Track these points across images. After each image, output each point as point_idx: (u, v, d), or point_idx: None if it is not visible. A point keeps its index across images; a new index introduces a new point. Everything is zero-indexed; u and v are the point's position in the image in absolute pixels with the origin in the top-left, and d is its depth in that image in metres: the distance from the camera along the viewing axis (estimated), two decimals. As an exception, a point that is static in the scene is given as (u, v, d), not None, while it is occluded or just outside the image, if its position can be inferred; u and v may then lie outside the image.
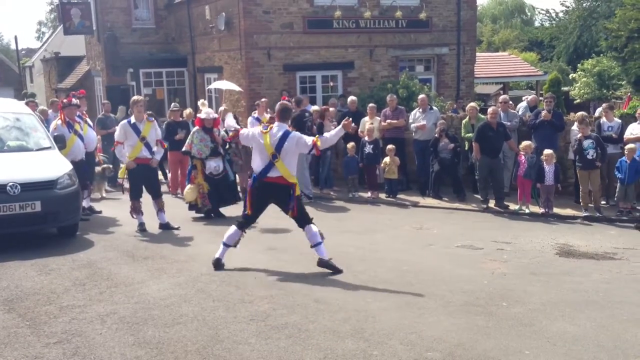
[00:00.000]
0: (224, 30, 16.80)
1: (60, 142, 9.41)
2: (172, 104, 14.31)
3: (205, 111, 10.24)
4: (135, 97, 9.48)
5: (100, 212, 10.57)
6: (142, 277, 6.68)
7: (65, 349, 4.80)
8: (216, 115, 10.56)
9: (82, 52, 24.85)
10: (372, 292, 6.26)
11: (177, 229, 9.22)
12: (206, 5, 17.93)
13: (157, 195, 9.34)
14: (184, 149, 10.40)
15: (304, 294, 6.13)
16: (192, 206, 10.30)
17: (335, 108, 13.95)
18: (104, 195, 12.22)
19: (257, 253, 7.90)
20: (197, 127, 10.26)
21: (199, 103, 10.91)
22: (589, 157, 10.29)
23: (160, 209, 9.33)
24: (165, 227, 9.22)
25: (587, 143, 10.31)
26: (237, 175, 11.79)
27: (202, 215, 10.22)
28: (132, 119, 9.09)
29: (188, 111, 13.20)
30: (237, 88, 14.38)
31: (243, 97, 16.22)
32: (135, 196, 9.20)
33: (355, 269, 7.11)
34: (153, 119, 9.40)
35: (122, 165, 9.56)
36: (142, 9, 20.70)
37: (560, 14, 41.32)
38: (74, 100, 10.25)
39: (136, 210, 9.21)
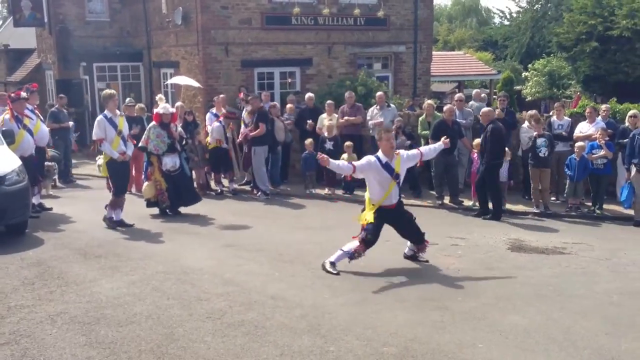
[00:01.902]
0: (181, 24, 16.55)
1: (8, 137, 9.12)
2: (127, 99, 14.04)
3: (162, 106, 10.07)
4: (110, 91, 9.25)
5: (51, 209, 10.28)
6: (95, 276, 6.53)
7: (13, 351, 4.65)
8: (173, 110, 10.41)
9: (33, 44, 24.09)
10: (329, 288, 6.28)
11: (132, 225, 9.05)
12: (162, -1, 17.62)
13: (123, 192, 9.24)
14: (140, 144, 10.21)
15: (261, 291, 6.10)
16: (151, 203, 10.13)
17: (293, 104, 13.93)
18: (50, 192, 11.85)
19: (214, 250, 7.83)
20: (153, 123, 10.08)
21: (157, 98, 10.74)
22: (542, 154, 10.56)
23: (116, 205, 9.16)
24: (120, 224, 9.05)
25: (540, 141, 10.57)
26: (193, 172, 11.66)
27: (159, 212, 10.06)
28: (108, 114, 8.90)
29: (138, 106, 12.93)
30: (195, 84, 14.21)
31: (200, 93, 16.03)
32: (121, 192, 9.09)
33: (313, 265, 7.11)
34: (123, 113, 9.31)
35: (99, 161, 9.40)
36: (96, 1, 20.16)
37: (514, 14, 42.28)
38: (23, 94, 9.93)
39: (118, 205, 9.06)
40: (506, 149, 10.81)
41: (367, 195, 7.17)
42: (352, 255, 6.86)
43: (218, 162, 12.34)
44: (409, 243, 7.46)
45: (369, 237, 6.86)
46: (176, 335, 4.94)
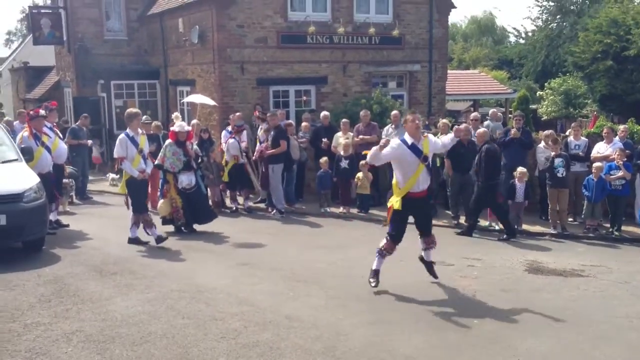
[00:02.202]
0: (197, 43, 16.73)
1: (27, 154, 9.22)
2: (144, 116, 14.16)
3: (179, 124, 10.14)
4: (134, 110, 9.35)
5: (67, 225, 10.35)
6: (110, 294, 6.55)
7: (28, 369, 4.66)
8: (189, 128, 10.48)
9: (52, 62, 24.46)
10: (344, 308, 6.23)
11: (146, 244, 9.07)
12: (179, 17, 17.85)
13: (142, 210, 9.23)
14: (156, 162, 10.28)
15: (276, 310, 6.07)
16: (166, 220, 10.16)
17: (308, 123, 13.97)
18: (67, 209, 11.94)
19: (229, 268, 7.82)
20: (170, 141, 10.15)
21: (173, 116, 10.83)
22: (559, 175, 10.48)
23: (136, 222, 9.20)
24: (135, 241, 9.09)
25: (557, 161, 10.50)
26: (208, 189, 11.71)
27: (174, 230, 10.09)
28: (130, 132, 8.97)
29: (154, 124, 13.05)
30: (211, 102, 14.29)
31: (216, 111, 16.14)
32: (141, 210, 9.10)
33: (328, 285, 7.07)
34: (143, 132, 9.39)
35: (110, 177, 9.46)
36: (114, 20, 20.50)
37: (529, 33, 42.26)
38: (42, 112, 10.07)
39: (149, 224, 9.07)
40: (523, 169, 10.75)
41: (394, 181, 6.98)
42: (382, 253, 6.89)
43: (236, 180, 12.39)
44: (421, 246, 7.33)
45: (393, 233, 6.85)
46: (191, 356, 4.92)
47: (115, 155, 9.15)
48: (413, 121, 6.80)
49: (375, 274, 6.96)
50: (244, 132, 12.65)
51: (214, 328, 5.53)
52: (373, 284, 6.88)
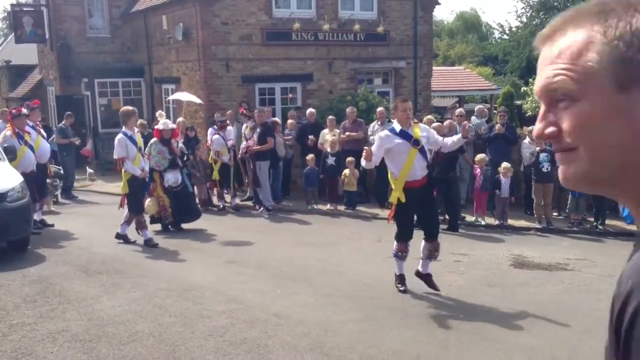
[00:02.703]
0: (182, 40, 16.64)
1: (10, 153, 9.13)
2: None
3: (163, 122, 10.08)
4: (130, 108, 9.21)
5: (52, 225, 10.26)
6: (96, 293, 6.50)
7: (14, 370, 4.62)
8: (174, 126, 10.43)
9: (35, 60, 24.20)
10: (332, 305, 6.24)
11: (133, 242, 9.02)
12: (163, 15, 17.74)
13: (140, 211, 9.22)
14: None
15: (264, 308, 6.07)
16: (154, 219, 10.11)
17: (294, 120, 13.96)
18: (52, 209, 11.83)
19: (216, 267, 7.81)
20: (155, 139, 10.09)
21: (157, 114, 10.76)
22: (544, 170, 10.56)
23: (128, 221, 9.15)
24: (123, 237, 9.09)
25: (542, 156, 10.58)
26: (195, 187, 11.66)
27: (161, 228, 10.04)
28: (128, 131, 8.85)
29: (139, 122, 12.95)
30: (197, 100, 14.23)
31: (202, 109, 16.07)
32: (138, 211, 9.02)
33: (316, 283, 7.08)
34: (139, 130, 9.34)
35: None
36: (97, 18, 20.32)
37: (514, 29, 42.49)
38: (24, 111, 9.97)
39: (141, 226, 9.00)
40: (507, 164, 10.83)
41: (389, 175, 6.69)
42: (397, 255, 6.67)
43: (224, 177, 12.35)
44: (422, 255, 6.81)
45: (400, 231, 6.57)
46: (178, 354, 4.90)
47: (116, 156, 8.96)
48: (404, 111, 6.50)
49: (401, 278, 6.69)
50: (229, 129, 12.60)
51: (202, 326, 5.52)
52: (401, 289, 6.63)
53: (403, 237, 6.59)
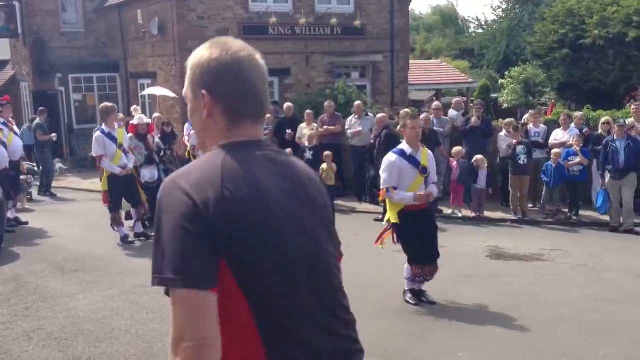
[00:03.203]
0: (157, 35, 16.48)
1: (-19, 150, 8.98)
2: (104, 110, 13.92)
3: (138, 117, 9.99)
4: (109, 104, 8.97)
5: (26, 223, 10.13)
6: (72, 291, 6.44)
7: (-12, 370, 4.57)
8: (149, 121, 10.33)
9: (7, 56, 23.78)
10: (309, 299, 6.25)
11: (132, 242, 8.89)
12: (138, 9, 17.54)
13: (136, 203, 9.08)
14: None
15: (241, 303, 6.06)
16: (129, 215, 10.01)
17: (271, 114, 13.92)
18: (26, 206, 11.67)
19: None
20: (130, 134, 9.99)
21: (132, 109, 10.67)
22: (521, 162, 10.69)
23: (138, 218, 9.06)
24: (142, 235, 8.97)
25: (519, 149, 10.71)
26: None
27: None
28: (106, 128, 8.63)
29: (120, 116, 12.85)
30: (171, 94, 14.14)
31: (178, 104, 15.95)
32: (115, 208, 8.89)
33: (293, 277, 7.09)
34: (122, 124, 9.13)
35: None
36: (71, 12, 20.02)
37: (490, 22, 42.82)
38: (-5, 107, 9.81)
39: (117, 222, 8.90)
40: (479, 156, 10.94)
41: (389, 208, 6.26)
42: (413, 280, 6.14)
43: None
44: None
45: (410, 254, 6.10)
46: (155, 350, 4.88)
47: (94, 154, 8.85)
48: (413, 128, 6.01)
49: (413, 292, 6.23)
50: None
51: (179, 322, 5.49)
52: (413, 302, 6.14)
53: (415, 260, 6.06)
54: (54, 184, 13.88)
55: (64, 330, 5.32)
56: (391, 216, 6.14)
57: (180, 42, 15.70)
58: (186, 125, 12.88)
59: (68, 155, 18.39)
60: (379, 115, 11.39)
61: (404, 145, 6.10)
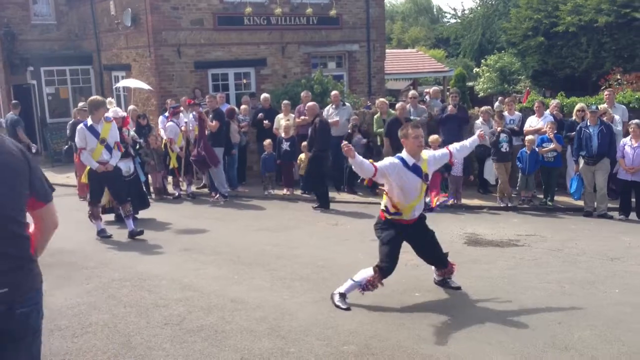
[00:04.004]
0: (131, 26, 16.26)
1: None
2: (81, 103, 13.73)
3: (113, 110, 9.86)
4: (99, 98, 8.76)
5: None
6: (48, 286, 6.28)
7: (-38, 368, 4.49)
8: (125, 114, 10.21)
9: (-24, 49, 23.31)
10: (288, 289, 6.27)
11: (110, 236, 8.73)
12: (111, 0, 17.28)
13: (121, 201, 8.87)
14: None
15: (220, 294, 6.05)
16: (105, 209, 9.90)
17: (248, 105, 13.85)
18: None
19: (172, 255, 7.73)
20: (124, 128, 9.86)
21: (107, 102, 10.52)
22: (503, 150, 10.79)
23: (126, 215, 8.82)
24: (133, 234, 8.65)
25: (502, 137, 10.81)
26: (149, 176, 11.48)
27: (114, 219, 9.86)
28: (89, 122, 8.45)
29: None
30: (146, 87, 13.97)
31: (154, 96, 15.78)
32: (93, 201, 8.77)
33: (272, 267, 7.10)
34: (112, 119, 8.85)
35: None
36: (42, 4, 19.65)
37: (466, 12, 43.02)
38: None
39: (95, 215, 8.79)
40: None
41: (383, 204, 5.95)
42: (365, 286, 5.67)
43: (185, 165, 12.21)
44: (436, 276, 6.35)
45: (385, 264, 5.65)
46: (133, 344, 4.85)
47: (78, 146, 8.68)
48: (416, 138, 5.64)
49: (344, 297, 5.77)
50: (181, 116, 12.42)
51: (157, 315, 5.47)
52: (344, 307, 5.65)
53: (382, 271, 5.64)
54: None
55: (40, 326, 5.25)
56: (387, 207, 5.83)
57: (154, 33, 15.52)
58: (160, 117, 12.77)
59: (42, 150, 18.10)
60: (309, 104, 11.57)
61: (405, 155, 5.70)
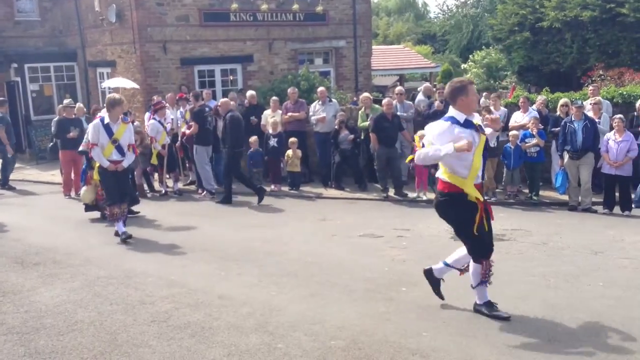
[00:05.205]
0: (116, 22, 16.14)
1: None
2: (66, 100, 13.63)
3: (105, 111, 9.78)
4: (117, 96, 8.59)
5: (-16, 217, 9.87)
6: (33, 284, 6.32)
7: (-54, 367, 4.46)
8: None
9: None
10: (276, 285, 6.27)
11: (130, 237, 8.31)
12: (95, -4, 17.12)
13: (123, 201, 8.61)
14: (80, 148, 9.91)
15: (208, 291, 6.04)
16: (89, 207, 9.85)
17: (235, 102, 13.81)
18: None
19: (159, 252, 7.71)
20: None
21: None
22: (491, 145, 10.82)
23: (121, 215, 8.54)
24: (124, 237, 8.28)
25: None
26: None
27: (99, 216, 9.81)
28: (106, 119, 8.29)
29: (78, 106, 12.63)
30: (129, 85, 13.85)
31: (140, 93, 15.68)
32: (112, 201, 8.38)
33: (260, 263, 7.10)
34: (129, 120, 8.68)
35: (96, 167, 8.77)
36: (25, 0, 19.43)
37: (454, 8, 43.12)
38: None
39: (116, 217, 8.36)
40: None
41: (447, 174, 5.20)
42: (484, 281, 5.31)
43: (169, 162, 12.13)
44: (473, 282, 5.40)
45: (480, 244, 5.19)
46: (120, 341, 4.83)
47: (90, 141, 8.43)
48: (475, 94, 5.27)
49: (488, 306, 5.32)
50: (168, 113, 12.36)
51: (144, 312, 5.45)
52: (505, 316, 5.21)
53: (484, 251, 5.20)
54: (11, 176, 13.54)
55: (26, 324, 5.22)
56: (472, 194, 5.13)
57: (139, 29, 15.42)
58: (146, 114, 12.70)
59: (26, 148, 17.94)
60: (222, 99, 11.65)
61: (454, 113, 5.16)
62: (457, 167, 5.11)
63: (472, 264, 5.30)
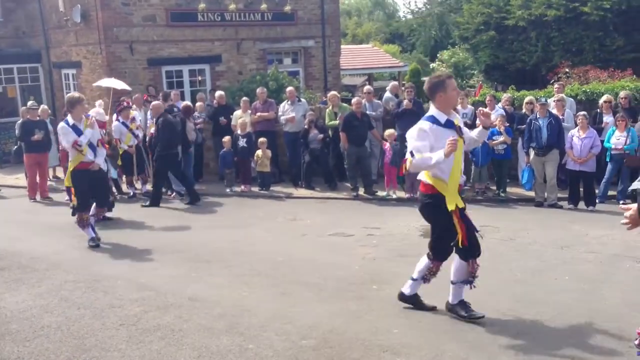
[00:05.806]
0: (81, 22, 15.88)
1: None
2: (30, 102, 13.36)
3: (95, 111, 9.64)
4: (76, 95, 8.30)
5: (-54, 223, 9.61)
6: (-2, 290, 6.18)
7: None
8: (107, 118, 10.07)
9: None
10: (247, 285, 6.25)
11: (99, 243, 8.09)
12: (59, -4, 16.82)
13: (102, 204, 8.51)
14: (71, 158, 9.75)
15: (178, 293, 5.99)
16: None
17: (203, 102, 13.72)
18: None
19: (128, 255, 7.61)
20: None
21: (97, 104, 10.40)
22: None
23: (97, 219, 8.48)
24: (94, 241, 8.06)
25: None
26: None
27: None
28: (70, 120, 7.98)
29: (42, 108, 12.39)
30: (120, 86, 13.61)
31: (105, 94, 15.44)
32: (82, 207, 8.05)
33: (231, 263, 7.06)
34: (91, 116, 8.40)
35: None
36: (-14, 0, 18.99)
37: (421, 8, 43.47)
38: None
39: (83, 222, 8.07)
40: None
41: (431, 178, 5.09)
42: (425, 277, 5.39)
43: (130, 164, 11.94)
44: (454, 278, 5.31)
45: (440, 247, 5.24)
46: (88, 346, 4.76)
47: (66, 145, 8.14)
48: (454, 89, 5.09)
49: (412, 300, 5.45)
50: (135, 114, 12.19)
51: (112, 316, 5.38)
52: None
53: (441, 254, 5.26)
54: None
55: (-10, 331, 5.10)
56: (451, 203, 5.06)
57: (105, 29, 15.20)
58: (114, 115, 12.51)
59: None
60: (154, 103, 11.67)
61: (434, 111, 5.05)
62: (437, 170, 5.00)
63: (457, 260, 5.27)
